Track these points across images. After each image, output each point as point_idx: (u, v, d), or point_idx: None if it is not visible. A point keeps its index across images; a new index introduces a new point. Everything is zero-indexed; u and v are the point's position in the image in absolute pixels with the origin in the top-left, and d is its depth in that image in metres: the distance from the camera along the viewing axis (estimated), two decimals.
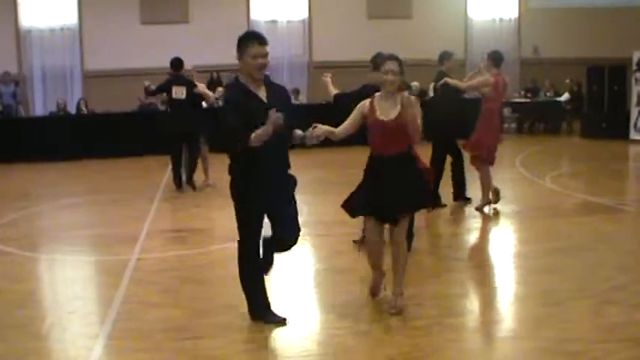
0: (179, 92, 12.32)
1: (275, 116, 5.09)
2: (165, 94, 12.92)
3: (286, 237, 5.72)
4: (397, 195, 5.84)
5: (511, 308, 6.28)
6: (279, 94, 5.58)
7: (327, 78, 8.26)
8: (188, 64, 12.73)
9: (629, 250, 8.03)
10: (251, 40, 5.38)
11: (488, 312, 6.16)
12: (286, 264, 7.65)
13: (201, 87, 12.87)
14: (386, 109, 5.86)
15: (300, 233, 5.79)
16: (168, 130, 12.57)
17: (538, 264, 7.50)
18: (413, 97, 5.90)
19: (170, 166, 12.86)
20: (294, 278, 7.15)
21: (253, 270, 5.75)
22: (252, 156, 5.32)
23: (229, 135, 5.30)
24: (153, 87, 12.60)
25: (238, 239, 5.69)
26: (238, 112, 5.25)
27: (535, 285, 6.77)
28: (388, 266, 6.21)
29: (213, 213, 10.81)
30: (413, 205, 6.09)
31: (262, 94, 5.47)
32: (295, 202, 5.81)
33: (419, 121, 5.82)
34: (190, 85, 12.42)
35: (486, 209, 10.13)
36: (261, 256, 5.78)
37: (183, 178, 12.64)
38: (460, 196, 10.69)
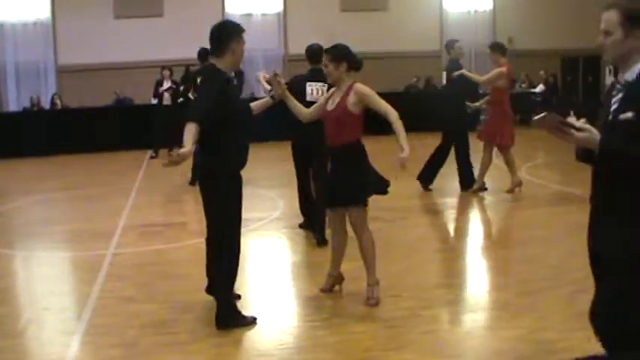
0: None
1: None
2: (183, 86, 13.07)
3: None
4: (335, 187, 5.91)
5: (487, 298, 6.32)
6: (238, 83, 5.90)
7: (260, 75, 8.62)
8: (162, 58, 12.71)
9: None
10: (241, 30, 5.46)
11: (465, 302, 6.19)
12: (263, 257, 7.66)
13: None
14: (333, 100, 5.91)
15: None
16: None
17: (514, 253, 7.56)
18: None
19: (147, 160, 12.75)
20: (271, 271, 7.15)
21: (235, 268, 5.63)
22: (232, 146, 5.38)
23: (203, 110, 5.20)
24: None
25: (222, 239, 5.49)
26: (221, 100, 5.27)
27: (511, 274, 6.82)
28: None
29: (189, 207, 10.78)
30: (344, 198, 5.92)
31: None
32: None
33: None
34: None
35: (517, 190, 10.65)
36: None
37: None
38: (469, 183, 10.83)
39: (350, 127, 5.80)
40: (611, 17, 3.51)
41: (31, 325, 5.82)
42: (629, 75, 3.45)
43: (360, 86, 5.82)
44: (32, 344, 5.47)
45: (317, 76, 7.87)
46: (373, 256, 5.97)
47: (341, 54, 5.83)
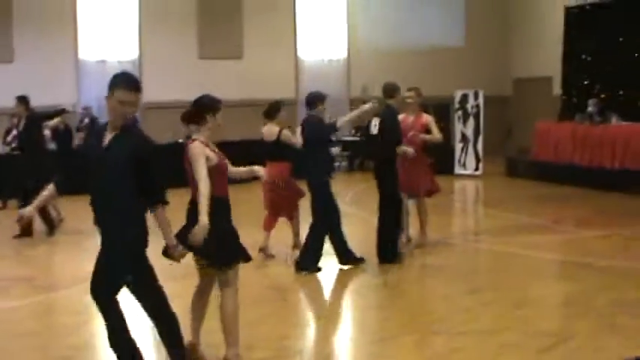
0: None
1: None
2: None
3: None
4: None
5: (342, 346, 6.43)
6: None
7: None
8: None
9: (455, 279, 8.39)
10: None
11: (315, 353, 6.28)
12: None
13: None
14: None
15: None
16: None
17: (367, 302, 7.68)
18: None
19: None
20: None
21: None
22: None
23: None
24: None
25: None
26: None
27: (365, 321, 6.95)
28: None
29: (39, 261, 10.29)
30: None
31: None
32: None
33: None
34: None
35: None
36: None
37: None
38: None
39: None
40: None
41: None
42: None
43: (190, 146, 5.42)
44: None
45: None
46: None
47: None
